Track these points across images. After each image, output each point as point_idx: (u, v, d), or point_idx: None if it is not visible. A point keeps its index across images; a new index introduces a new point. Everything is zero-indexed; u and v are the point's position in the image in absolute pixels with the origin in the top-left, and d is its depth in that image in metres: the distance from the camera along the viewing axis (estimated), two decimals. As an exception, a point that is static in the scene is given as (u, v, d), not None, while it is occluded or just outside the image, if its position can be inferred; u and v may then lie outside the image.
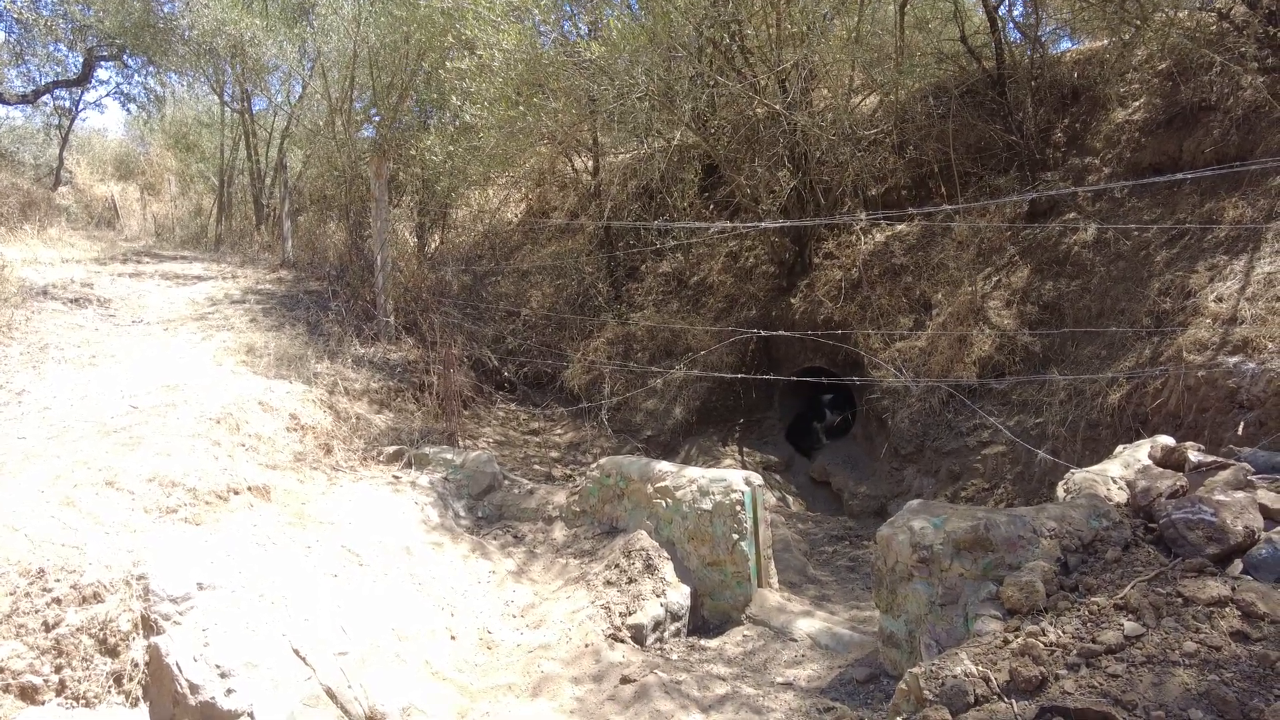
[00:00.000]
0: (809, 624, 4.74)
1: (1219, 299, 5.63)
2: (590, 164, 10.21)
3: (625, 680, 4.02)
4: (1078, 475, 4.02)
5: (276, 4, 11.09)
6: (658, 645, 4.66)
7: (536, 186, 11.43)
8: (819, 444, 9.01)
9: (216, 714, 3.47)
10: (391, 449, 6.44)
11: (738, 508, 4.99)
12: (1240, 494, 3.32)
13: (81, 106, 15.93)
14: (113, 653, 3.64)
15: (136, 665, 3.69)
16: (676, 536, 5.22)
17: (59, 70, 14.56)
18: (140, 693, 3.68)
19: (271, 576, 4.16)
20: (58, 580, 3.59)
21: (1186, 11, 7.03)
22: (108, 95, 18.81)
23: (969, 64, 8.31)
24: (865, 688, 3.89)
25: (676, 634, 4.83)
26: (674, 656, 4.50)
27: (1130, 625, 2.76)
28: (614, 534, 5.47)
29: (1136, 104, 7.52)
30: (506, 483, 6.34)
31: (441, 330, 8.43)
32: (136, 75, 15.32)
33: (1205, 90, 6.80)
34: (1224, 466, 3.64)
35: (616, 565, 4.96)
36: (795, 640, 4.60)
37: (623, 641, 4.48)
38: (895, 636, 3.79)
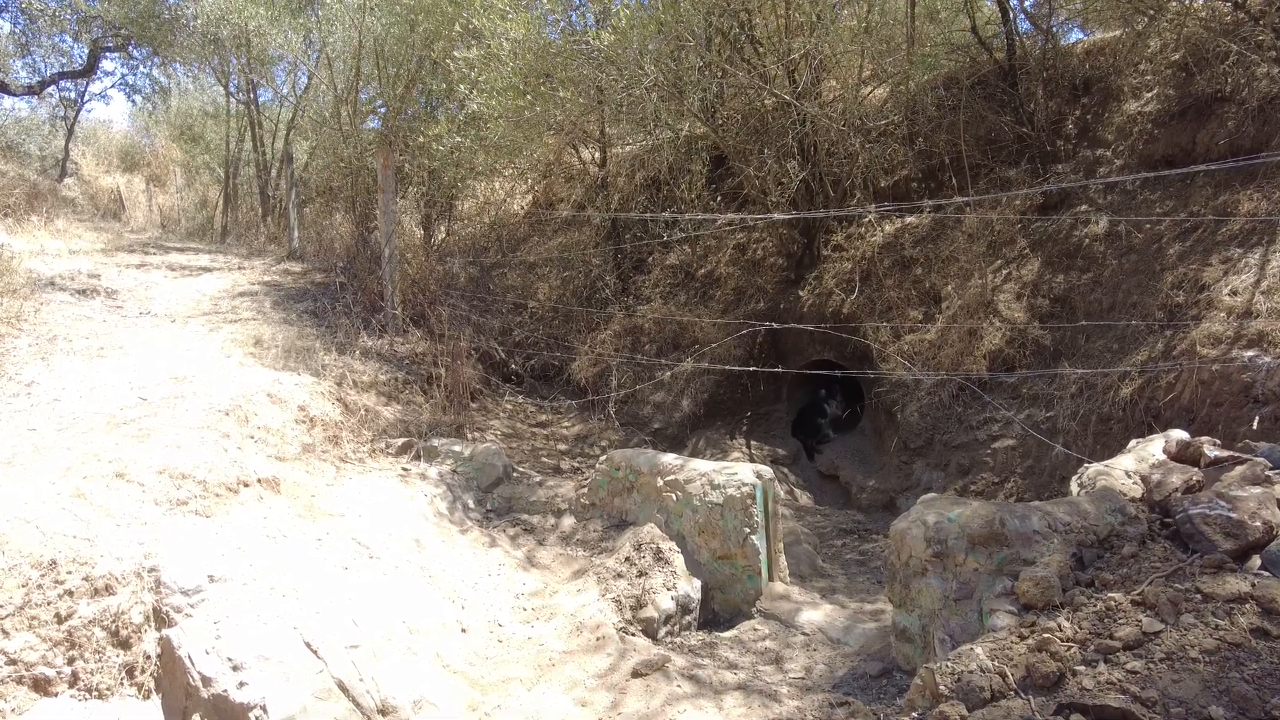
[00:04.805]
0: (820, 618, 4.73)
1: (1233, 292, 5.58)
2: (597, 155, 10.16)
3: (637, 673, 4.02)
4: (1091, 469, 3.99)
5: (281, -7, 11.06)
6: (669, 638, 4.66)
7: (543, 178, 11.38)
8: (824, 438, 8.98)
9: (229, 706, 3.47)
10: (400, 441, 6.44)
11: (749, 501, 4.98)
12: (1257, 489, 3.29)
13: (87, 98, 15.94)
14: (125, 645, 3.65)
15: (149, 657, 3.70)
16: (687, 530, 5.21)
17: (64, 61, 14.56)
18: (153, 685, 3.69)
19: (282, 569, 4.16)
20: (69, 572, 3.59)
21: (1201, 1, 6.96)
22: (113, 87, 18.74)
23: (979, 55, 8.23)
24: (878, 682, 3.88)
25: (688, 627, 4.84)
26: (685, 649, 4.50)
27: (1148, 621, 2.74)
28: (624, 527, 5.46)
29: (1149, 95, 7.44)
30: (515, 475, 6.34)
31: (449, 322, 8.41)
32: (141, 66, 15.33)
33: (1220, 81, 6.73)
34: (1240, 461, 3.61)
35: (627, 558, 4.95)
36: (807, 634, 4.59)
37: (634, 634, 4.47)
38: (908, 631, 3.78)
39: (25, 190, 10.91)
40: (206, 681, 3.51)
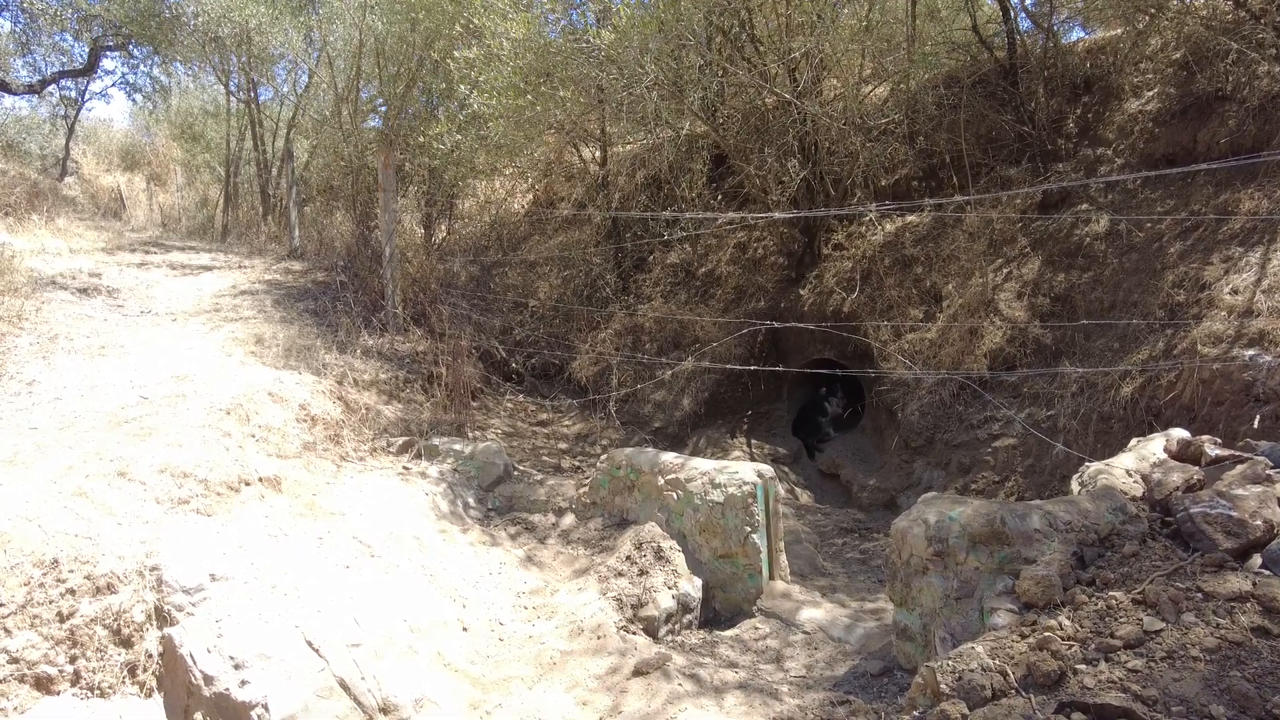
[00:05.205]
0: (821, 616, 4.73)
1: (1234, 291, 5.58)
2: (598, 154, 10.16)
3: (638, 672, 4.02)
4: (1092, 468, 3.99)
5: (282, -9, 11.06)
6: (670, 636, 4.67)
7: (544, 177, 11.38)
8: (825, 437, 8.98)
9: (230, 705, 3.48)
10: (401, 440, 6.44)
11: (750, 500, 4.98)
12: (1258, 488, 3.29)
13: (87, 97, 15.95)
14: (127, 643, 3.65)
15: (150, 656, 3.70)
16: (688, 529, 5.21)
17: (65, 60, 14.58)
18: (154, 683, 3.69)
19: (284, 568, 4.17)
20: (71, 571, 3.60)
21: (1201, -1, 6.97)
22: (113, 85, 18.78)
23: (980, 53, 8.23)
24: (879, 681, 3.88)
25: (689, 625, 4.84)
26: (686, 648, 4.51)
27: (1149, 620, 2.74)
28: (625, 526, 5.46)
29: (1150, 94, 7.44)
30: (516, 474, 6.35)
31: (450, 321, 8.41)
32: (142, 65, 15.34)
33: (1220, 79, 6.73)
34: (1241, 460, 3.60)
35: (628, 557, 4.96)
36: (807, 633, 4.60)
37: (635, 633, 4.48)
38: (909, 630, 3.78)
39: (26, 189, 10.91)
40: (208, 680, 3.52)
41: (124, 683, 3.60)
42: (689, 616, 4.88)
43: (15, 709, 3.25)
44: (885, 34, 8.52)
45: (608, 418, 8.44)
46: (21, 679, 3.31)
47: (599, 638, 4.32)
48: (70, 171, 15.30)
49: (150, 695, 3.67)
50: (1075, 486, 4.00)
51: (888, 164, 8.48)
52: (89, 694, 3.47)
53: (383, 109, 9.72)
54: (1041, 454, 6.20)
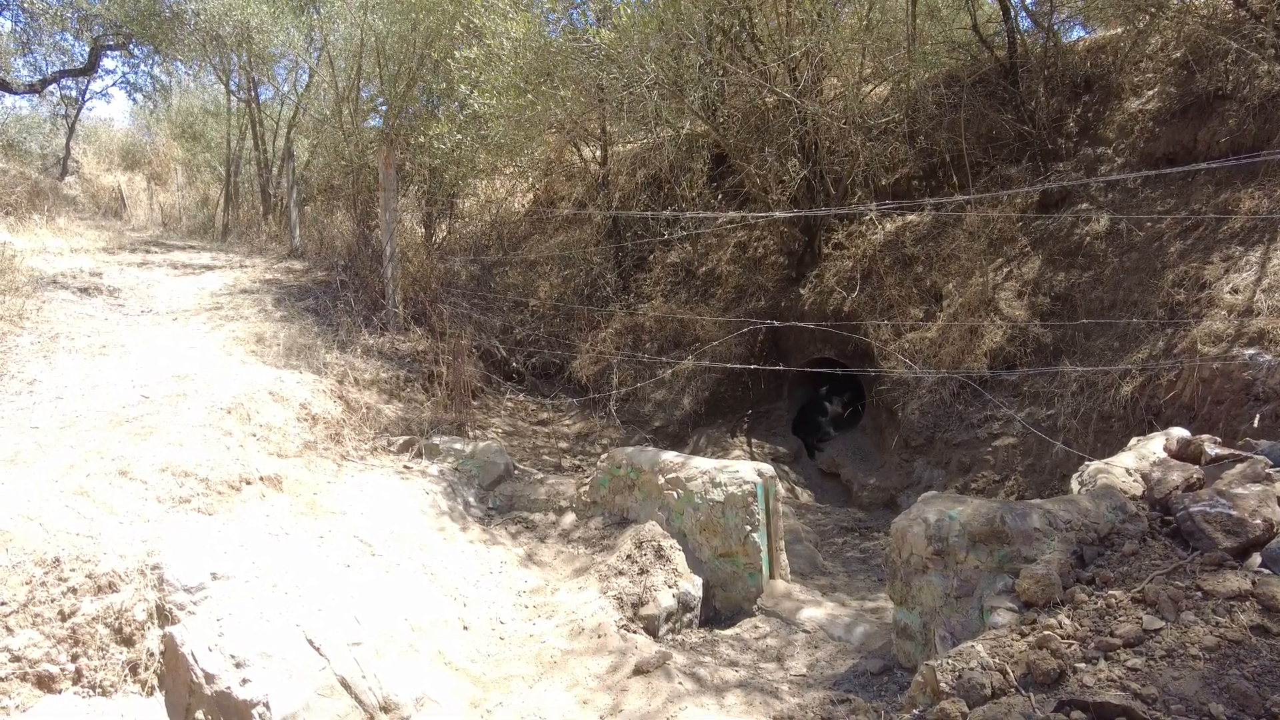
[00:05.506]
0: (821, 615, 4.74)
1: (1234, 290, 5.59)
2: (598, 153, 10.16)
3: (638, 670, 4.03)
4: (1092, 467, 4.00)
5: (283, -10, 11.07)
6: (670, 635, 4.67)
7: (544, 176, 11.38)
8: (825, 436, 8.98)
9: (232, 703, 3.48)
10: (402, 439, 6.45)
11: (750, 499, 4.99)
12: (1258, 487, 3.29)
13: (88, 96, 15.95)
14: (128, 642, 3.66)
15: (152, 655, 3.71)
16: (688, 528, 5.22)
17: (65, 60, 14.57)
18: (156, 682, 3.70)
19: (285, 566, 4.17)
20: (73, 570, 3.60)
21: (1202, -2, 6.96)
22: (114, 85, 18.80)
23: (981, 53, 8.23)
24: (879, 679, 3.88)
25: (689, 624, 4.85)
26: (687, 647, 4.51)
27: (1149, 619, 2.75)
28: (625, 525, 5.47)
29: (1150, 93, 7.44)
30: (517, 473, 6.35)
31: (450, 320, 8.42)
32: (143, 65, 15.35)
33: (1221, 79, 6.73)
34: (1241, 459, 3.61)
35: (628, 556, 4.96)
36: (808, 632, 4.61)
37: (635, 632, 4.48)
38: (909, 629, 3.79)
39: (27, 188, 10.90)
40: (209, 678, 3.53)
41: (125, 681, 3.60)
42: (689, 615, 4.89)
43: (17, 707, 3.25)
44: (885, 33, 8.52)
45: (608, 417, 8.45)
46: (23, 677, 3.32)
47: (599, 636, 4.33)
48: (71, 171, 15.30)
49: (152, 694, 3.68)
50: (1075, 485, 4.01)
51: (888, 163, 8.48)
52: (90, 692, 3.48)
53: (383, 108, 9.73)
54: (1041, 453, 6.20)
